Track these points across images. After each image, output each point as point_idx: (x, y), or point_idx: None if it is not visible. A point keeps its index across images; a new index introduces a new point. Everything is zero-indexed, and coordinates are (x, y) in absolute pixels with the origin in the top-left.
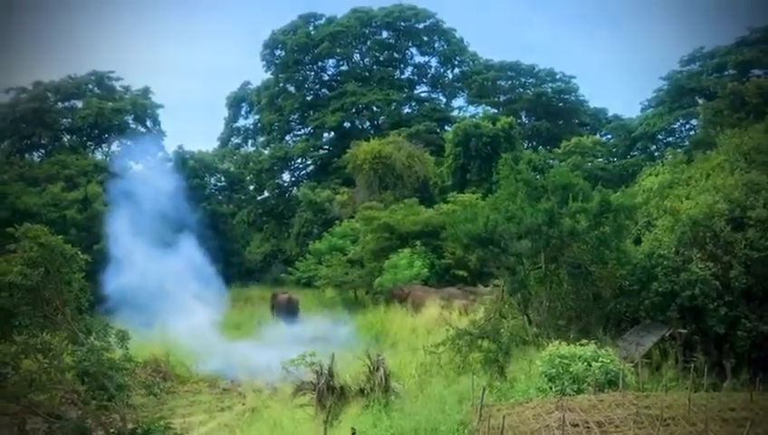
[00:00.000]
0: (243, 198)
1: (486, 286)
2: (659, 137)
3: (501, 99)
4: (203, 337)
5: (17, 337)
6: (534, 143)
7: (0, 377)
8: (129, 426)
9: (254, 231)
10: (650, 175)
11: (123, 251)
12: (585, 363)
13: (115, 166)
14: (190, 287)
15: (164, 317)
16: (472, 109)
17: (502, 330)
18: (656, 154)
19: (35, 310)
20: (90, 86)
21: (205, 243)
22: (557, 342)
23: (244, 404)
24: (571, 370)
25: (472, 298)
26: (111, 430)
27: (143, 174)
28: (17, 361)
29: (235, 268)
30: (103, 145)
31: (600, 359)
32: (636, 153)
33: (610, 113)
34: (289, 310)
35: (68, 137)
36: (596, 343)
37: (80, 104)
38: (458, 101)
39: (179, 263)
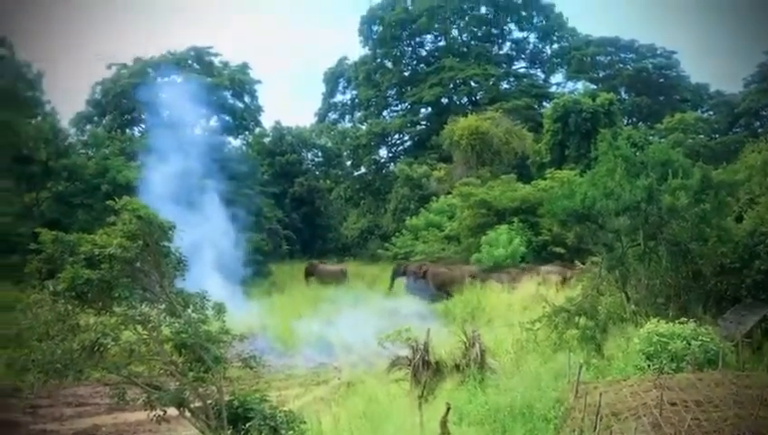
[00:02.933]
0: (340, 173)
1: (583, 263)
2: (763, 113)
3: (600, 75)
4: (299, 310)
5: (117, 309)
6: (634, 119)
7: (100, 347)
8: (226, 398)
9: (350, 207)
10: (753, 152)
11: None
12: (684, 342)
13: (213, 141)
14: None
15: (264, 290)
16: (571, 85)
17: (599, 307)
18: (759, 131)
19: (134, 282)
20: (189, 62)
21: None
22: (655, 319)
23: (339, 378)
24: (669, 348)
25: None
26: (209, 401)
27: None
28: (117, 332)
29: (331, 243)
30: (202, 120)
31: (700, 338)
32: (738, 130)
33: (712, 89)
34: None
35: (167, 112)
36: (695, 322)
37: (179, 80)
38: (557, 77)
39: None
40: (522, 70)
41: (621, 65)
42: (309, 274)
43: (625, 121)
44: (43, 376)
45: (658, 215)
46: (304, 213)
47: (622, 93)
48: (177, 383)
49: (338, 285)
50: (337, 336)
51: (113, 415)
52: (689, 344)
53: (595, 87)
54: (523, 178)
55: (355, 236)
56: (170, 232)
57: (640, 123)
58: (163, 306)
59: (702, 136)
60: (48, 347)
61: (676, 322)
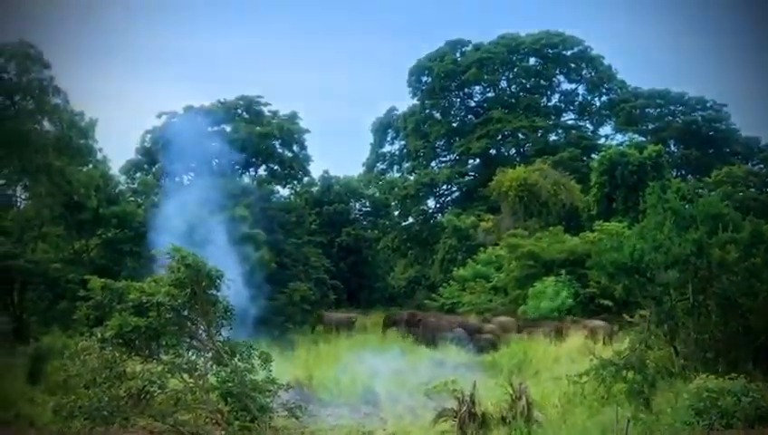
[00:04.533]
0: (387, 223)
1: (631, 317)
2: None
3: (649, 127)
4: (345, 361)
5: (164, 356)
6: (683, 172)
7: (147, 395)
8: None
9: (398, 257)
10: None
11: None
12: (734, 398)
13: (262, 190)
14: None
15: (310, 339)
16: (619, 137)
17: (647, 361)
18: None
19: (181, 330)
20: (238, 111)
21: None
22: (705, 375)
23: (385, 429)
24: (719, 404)
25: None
26: None
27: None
28: (164, 380)
29: (377, 293)
30: (250, 169)
31: (751, 393)
32: None
33: (763, 142)
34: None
35: (216, 161)
36: (746, 378)
37: (228, 129)
38: (605, 129)
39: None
40: (570, 121)
41: (671, 118)
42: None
43: (673, 174)
44: (89, 423)
45: (708, 269)
46: (351, 262)
47: (671, 146)
48: (223, 432)
49: (348, 332)
50: (383, 387)
51: None
52: (739, 400)
53: (644, 139)
54: (570, 230)
55: (402, 286)
56: (218, 280)
57: (689, 176)
58: (210, 355)
59: (752, 189)
60: (95, 394)
61: (726, 377)
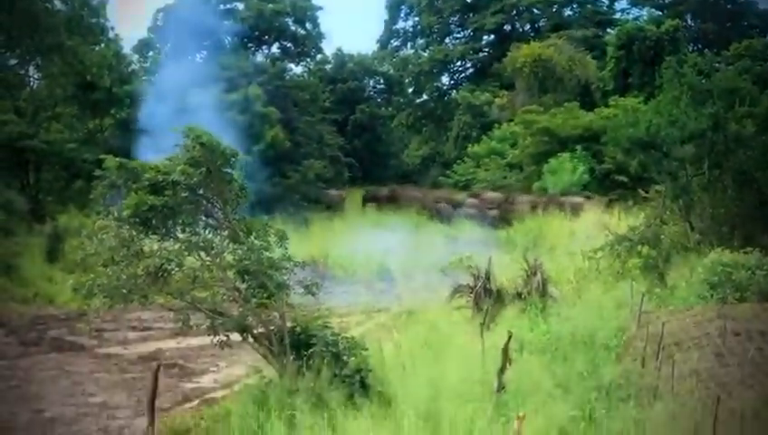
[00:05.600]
0: (401, 100)
1: (647, 192)
2: None
3: (666, 1)
4: (360, 238)
5: (180, 235)
6: (700, 46)
7: (164, 273)
8: (288, 324)
9: (412, 134)
10: None
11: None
12: (749, 272)
13: (275, 68)
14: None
15: (326, 217)
16: (635, 11)
17: (662, 236)
18: None
19: (197, 209)
20: None
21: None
22: (719, 249)
23: (400, 305)
24: (733, 278)
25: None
26: (271, 328)
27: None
28: (180, 258)
29: (392, 170)
30: (263, 47)
31: (765, 267)
32: None
33: None
34: None
35: (229, 39)
36: (760, 252)
37: (241, 6)
38: (621, 4)
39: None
40: None
41: None
42: None
43: (690, 48)
44: (108, 300)
45: (724, 143)
46: (366, 140)
47: (688, 20)
48: (240, 309)
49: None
50: (398, 263)
51: (177, 340)
52: (754, 274)
53: (660, 13)
54: (586, 106)
55: (417, 163)
56: (233, 159)
57: (706, 50)
58: (226, 233)
59: None
60: (113, 272)
61: (741, 251)
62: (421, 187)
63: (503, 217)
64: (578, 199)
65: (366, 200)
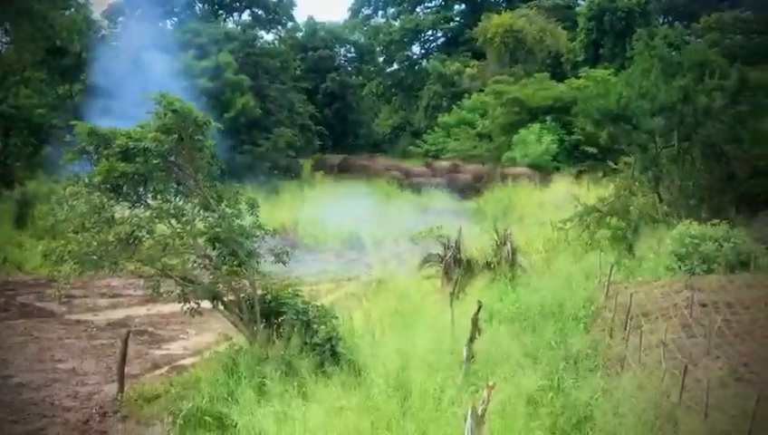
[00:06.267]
0: (372, 69)
1: (616, 163)
2: None
3: None
4: (330, 207)
5: (151, 202)
6: (670, 19)
7: (135, 240)
8: (259, 292)
9: (382, 103)
10: None
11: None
12: (716, 243)
13: (245, 36)
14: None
15: (296, 185)
16: None
17: (631, 208)
18: None
19: (168, 176)
20: None
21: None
22: (688, 221)
23: (370, 274)
24: (701, 249)
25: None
26: (241, 295)
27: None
28: (152, 225)
29: (362, 139)
30: (234, 14)
31: (732, 239)
32: None
33: None
34: None
35: (200, 5)
36: (728, 224)
37: None
38: None
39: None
40: None
41: None
42: None
43: (661, 21)
44: (78, 267)
45: (694, 116)
46: (336, 109)
47: None
48: (211, 277)
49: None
50: (368, 232)
51: (146, 307)
52: (721, 246)
53: None
54: (556, 77)
55: (387, 132)
56: (205, 126)
57: (676, 23)
58: (197, 200)
59: (740, 36)
60: (84, 238)
61: (709, 223)
62: (391, 156)
63: (472, 187)
64: (520, 170)
65: (315, 169)
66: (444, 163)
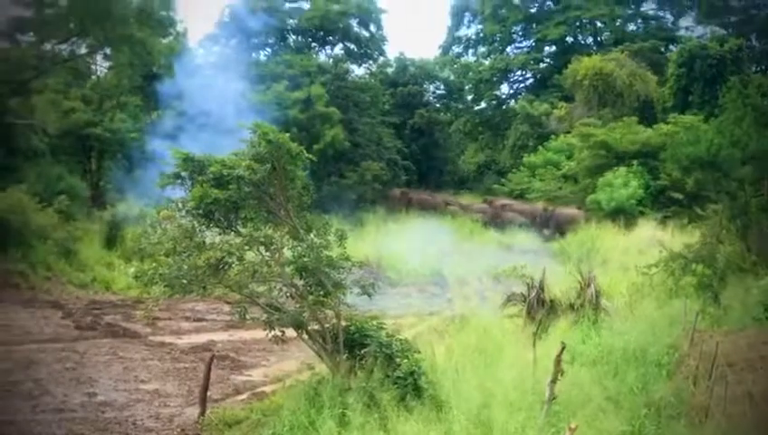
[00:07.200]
0: (460, 107)
1: (703, 210)
2: None
3: (731, 19)
4: (416, 242)
5: (242, 229)
6: (763, 67)
7: (225, 266)
8: (343, 323)
9: (469, 141)
10: None
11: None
12: None
13: (337, 69)
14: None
15: (381, 218)
16: (700, 29)
17: (718, 255)
18: None
19: (260, 204)
20: None
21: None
22: None
23: (452, 310)
24: None
25: None
26: (326, 325)
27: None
28: (241, 252)
29: (448, 176)
30: (327, 47)
31: None
32: None
33: None
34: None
35: (293, 38)
36: None
37: (306, 5)
38: (686, 21)
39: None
40: (650, 11)
41: (755, 11)
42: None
43: (753, 69)
44: (168, 290)
45: None
46: (423, 144)
47: (753, 40)
48: (297, 306)
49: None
50: (451, 268)
51: (229, 332)
52: None
53: (725, 32)
54: (644, 122)
55: (472, 170)
56: (298, 157)
57: None
58: (286, 230)
59: None
60: (175, 262)
61: None
62: (476, 193)
63: (557, 229)
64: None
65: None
66: (504, 201)
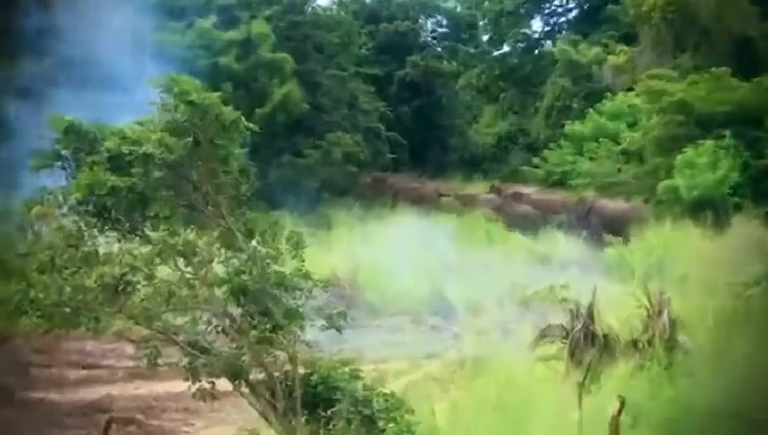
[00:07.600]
0: (472, 52)
1: None
2: None
3: None
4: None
5: (152, 233)
6: None
7: (127, 287)
8: (301, 370)
9: (485, 101)
10: None
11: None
12: None
13: None
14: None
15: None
16: None
17: None
18: None
19: (178, 197)
20: None
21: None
22: None
23: (461, 350)
24: None
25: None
26: (276, 374)
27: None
28: (151, 267)
29: (455, 154)
30: None
31: None
32: None
33: None
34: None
35: None
36: None
37: None
38: None
39: None
40: None
41: None
42: None
43: None
44: (44, 322)
45: None
46: (418, 107)
47: None
48: (233, 345)
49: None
50: (459, 289)
51: (134, 384)
52: None
53: None
54: (741, 73)
55: (490, 143)
56: (233, 127)
57: None
58: (216, 234)
59: None
60: (54, 282)
61: None
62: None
63: (601, 229)
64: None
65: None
66: (516, 188)
